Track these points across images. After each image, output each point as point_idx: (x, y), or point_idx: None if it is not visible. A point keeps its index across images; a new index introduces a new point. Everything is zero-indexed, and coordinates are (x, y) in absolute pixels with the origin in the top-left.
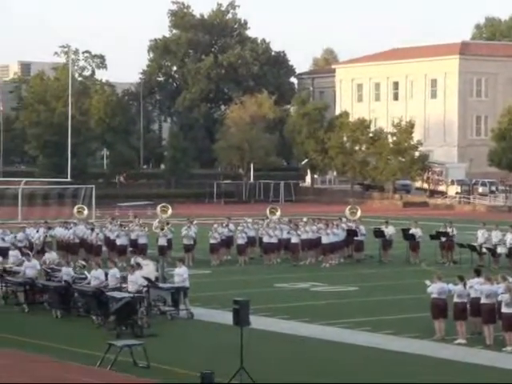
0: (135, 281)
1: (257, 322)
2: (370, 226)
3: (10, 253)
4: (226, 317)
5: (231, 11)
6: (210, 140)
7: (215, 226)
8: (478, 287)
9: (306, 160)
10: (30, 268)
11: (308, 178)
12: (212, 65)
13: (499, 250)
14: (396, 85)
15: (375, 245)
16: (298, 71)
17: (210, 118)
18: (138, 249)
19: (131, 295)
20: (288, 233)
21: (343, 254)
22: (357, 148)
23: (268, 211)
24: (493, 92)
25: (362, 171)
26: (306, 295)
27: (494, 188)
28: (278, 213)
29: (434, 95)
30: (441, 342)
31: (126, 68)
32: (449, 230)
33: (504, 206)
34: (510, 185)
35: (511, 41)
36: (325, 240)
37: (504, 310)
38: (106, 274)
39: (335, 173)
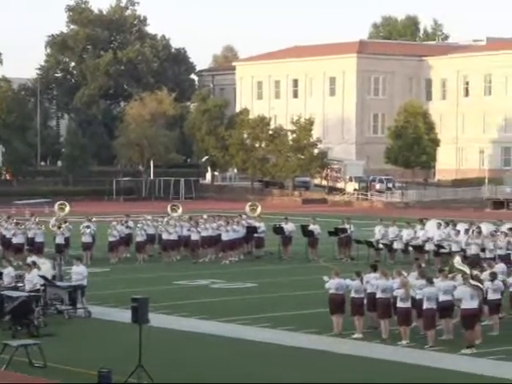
0: (31, 280)
1: (156, 319)
2: (270, 222)
3: None
4: (125, 315)
5: (130, 7)
6: (109, 137)
7: (114, 223)
8: (374, 282)
9: (207, 157)
10: None
11: (208, 175)
12: (111, 61)
13: (395, 245)
14: (295, 82)
15: (275, 241)
16: (198, 68)
17: (109, 114)
18: (35, 247)
19: (27, 294)
20: (188, 230)
21: (243, 250)
22: (257, 145)
23: (169, 208)
24: (390, 90)
25: (262, 168)
26: (205, 292)
27: (390, 185)
28: (180, 210)
29: (332, 93)
30: (338, 337)
31: (23, 63)
32: (346, 226)
33: (400, 203)
34: (407, 182)
35: (407, 40)
36: (225, 237)
37: (399, 304)
38: (1, 273)
39: (235, 170)
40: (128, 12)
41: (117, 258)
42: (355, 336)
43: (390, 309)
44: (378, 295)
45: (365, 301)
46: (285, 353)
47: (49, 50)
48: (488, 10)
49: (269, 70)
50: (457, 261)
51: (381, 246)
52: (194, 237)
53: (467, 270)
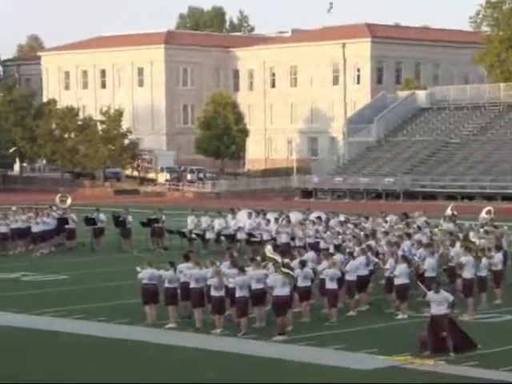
0: None
1: None
2: (81, 213)
3: None
4: None
5: None
6: None
7: None
8: (187, 272)
9: (14, 148)
10: None
11: (16, 167)
12: None
13: (208, 235)
14: (103, 73)
15: (87, 233)
16: (2, 58)
17: None
18: None
19: None
20: None
21: (54, 242)
22: (66, 136)
23: None
24: (198, 81)
25: (72, 159)
26: (17, 285)
27: (201, 175)
28: None
29: (141, 84)
30: (152, 327)
31: None
32: (159, 216)
33: (211, 193)
34: (217, 172)
35: (214, 31)
36: (35, 229)
37: (213, 293)
38: None
39: (44, 161)
40: None
41: None
42: (169, 326)
43: (203, 298)
44: (192, 285)
45: (178, 291)
46: (98, 344)
47: None
48: (293, 2)
49: (76, 60)
50: (268, 249)
51: (193, 235)
52: (3, 229)
53: (279, 258)
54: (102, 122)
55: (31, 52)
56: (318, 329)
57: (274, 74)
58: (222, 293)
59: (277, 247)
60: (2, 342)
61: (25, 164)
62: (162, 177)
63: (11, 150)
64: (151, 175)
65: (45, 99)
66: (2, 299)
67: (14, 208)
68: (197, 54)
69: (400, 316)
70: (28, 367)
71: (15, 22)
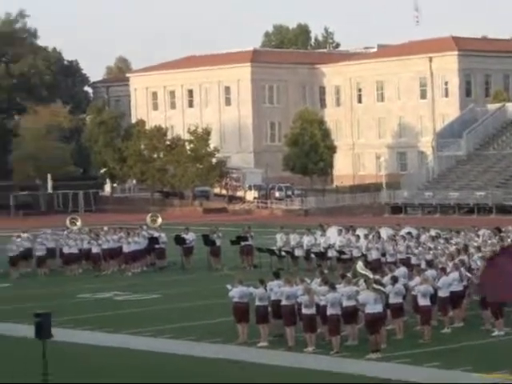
0: None
1: (60, 334)
2: (171, 233)
3: None
4: (28, 330)
5: (21, 20)
6: (4, 151)
7: (14, 238)
8: (277, 289)
9: (105, 169)
10: None
11: (107, 187)
12: (3, 74)
13: (297, 252)
14: (190, 92)
15: (177, 251)
16: (92, 80)
17: (2, 128)
18: None
19: None
20: (88, 243)
21: (145, 261)
22: (155, 156)
23: (68, 221)
24: (285, 98)
25: (161, 179)
26: (109, 305)
27: (289, 192)
28: (79, 223)
29: (228, 102)
30: (244, 346)
31: None
32: (248, 234)
33: (300, 210)
34: (306, 189)
35: (299, 48)
36: (126, 249)
37: (304, 311)
38: None
39: (134, 181)
40: (19, 25)
41: (18, 273)
42: (260, 344)
43: (294, 316)
44: (283, 302)
45: (269, 308)
46: (190, 363)
47: None
48: (378, 17)
49: (163, 81)
50: (359, 266)
51: (283, 253)
52: (95, 249)
53: (370, 274)
54: (189, 142)
55: (120, 74)
56: (411, 346)
57: (360, 90)
58: (313, 310)
59: (367, 263)
60: (96, 361)
61: (115, 184)
62: (250, 195)
63: (102, 171)
64: (239, 193)
65: (133, 120)
66: (95, 319)
67: (105, 228)
68: (283, 71)
69: (496, 333)
70: None
71: (104, 45)
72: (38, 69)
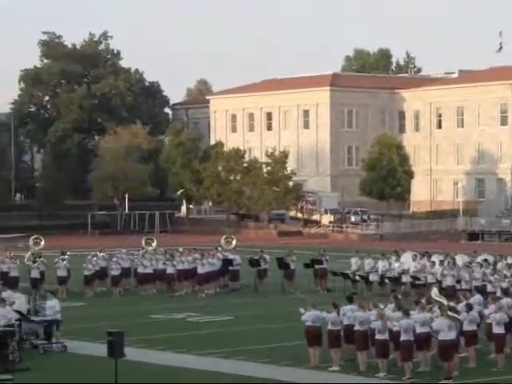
0: (6, 314)
1: (132, 353)
2: (246, 255)
3: None
4: (101, 349)
5: (103, 41)
6: (84, 170)
7: (89, 257)
8: (350, 314)
9: (182, 190)
10: None
11: (183, 208)
12: (85, 95)
13: (371, 277)
14: (269, 115)
15: (250, 274)
16: (172, 102)
17: (83, 148)
18: (9, 282)
19: (1, 329)
20: (163, 263)
21: (219, 283)
22: (232, 178)
23: (144, 242)
24: (363, 123)
25: (238, 201)
26: (181, 325)
27: (365, 217)
28: (155, 243)
29: (306, 125)
30: (315, 370)
31: None
32: (322, 258)
33: (375, 235)
34: (382, 214)
35: (380, 72)
36: (200, 270)
37: (377, 336)
38: None
39: (210, 203)
40: (101, 46)
41: (92, 292)
42: (332, 368)
43: (367, 341)
44: (356, 327)
45: (342, 333)
46: None
47: (22, 85)
48: (459, 43)
49: (242, 103)
50: (434, 292)
51: (357, 277)
52: (170, 270)
53: (444, 301)
54: (267, 164)
55: (200, 96)
56: (484, 374)
57: (440, 115)
58: (386, 336)
59: (442, 290)
60: (167, 382)
61: (191, 206)
62: (326, 218)
63: (179, 193)
64: (315, 217)
65: (212, 142)
66: (169, 340)
67: (180, 249)
68: (362, 95)
69: None
70: None
71: (185, 67)
72: (119, 90)
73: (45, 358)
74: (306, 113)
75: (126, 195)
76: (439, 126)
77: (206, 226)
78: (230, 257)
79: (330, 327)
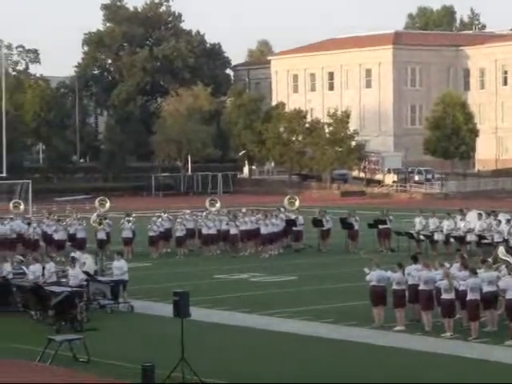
0: (76, 275)
1: (197, 313)
2: (309, 215)
3: None
4: (166, 309)
5: (165, 4)
6: (147, 133)
7: (154, 218)
8: (415, 274)
9: (244, 151)
10: None
11: (246, 170)
12: (147, 57)
13: (436, 236)
14: (331, 75)
15: (314, 234)
16: (233, 63)
17: (146, 110)
18: (77, 243)
19: (70, 289)
20: (227, 224)
21: (282, 244)
22: (293, 138)
23: (208, 203)
24: (426, 81)
25: (300, 161)
26: (245, 286)
27: (429, 176)
28: (218, 204)
29: (368, 85)
30: (380, 330)
31: (61, 62)
32: (386, 218)
33: (440, 194)
34: (446, 173)
35: (444, 30)
36: (264, 230)
37: (443, 296)
38: (43, 269)
39: (273, 163)
40: (163, 8)
41: (157, 253)
42: (397, 328)
43: (432, 301)
44: (421, 287)
45: (406, 292)
46: (325, 346)
47: (86, 48)
48: None
49: (304, 63)
50: (501, 251)
51: (421, 237)
52: (233, 231)
53: (511, 260)
54: (329, 125)
55: (261, 57)
56: None
57: (506, 72)
58: (453, 295)
59: (509, 249)
60: (234, 341)
61: (254, 167)
62: (389, 178)
63: (241, 154)
64: (378, 177)
65: (273, 103)
66: (232, 299)
67: (243, 210)
68: (425, 53)
69: None
70: (261, 367)
71: (246, 28)
72: (180, 52)
73: (112, 318)
74: (369, 72)
75: (189, 157)
76: (505, 83)
77: (268, 186)
78: (293, 217)
79: (394, 287)
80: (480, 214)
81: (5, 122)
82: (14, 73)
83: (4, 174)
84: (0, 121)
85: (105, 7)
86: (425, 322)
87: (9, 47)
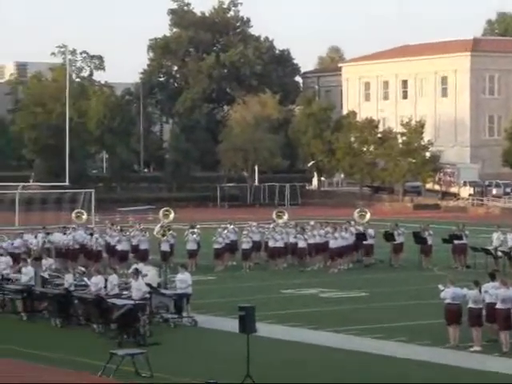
0: (139, 288)
1: (263, 329)
2: (380, 229)
3: (1, 259)
4: (231, 324)
5: (233, 8)
6: (213, 141)
7: (219, 230)
8: (493, 292)
9: (313, 162)
10: (25, 275)
11: (315, 181)
12: (214, 64)
13: None
14: (405, 83)
15: (385, 249)
16: (303, 70)
17: (212, 118)
18: (139, 254)
19: (133, 302)
20: (295, 237)
21: (352, 258)
22: (365, 149)
23: (275, 215)
24: (505, 89)
25: (371, 173)
26: (313, 301)
27: (508, 189)
28: (286, 216)
29: (444, 93)
30: (455, 350)
31: (125, 68)
32: (462, 233)
33: None
34: None
35: None
36: (333, 244)
37: None
38: (106, 281)
39: (342, 175)
40: (231, 13)
41: (223, 266)
42: (473, 349)
43: (510, 320)
44: (498, 306)
45: (483, 311)
46: (396, 365)
47: (151, 54)
48: None
49: (377, 71)
50: None
51: (499, 253)
52: (301, 244)
53: None
54: (402, 134)
55: (331, 63)
56: None
57: None
58: None
59: None
60: (300, 358)
61: (323, 178)
62: (465, 191)
63: (310, 164)
64: (453, 189)
65: (344, 111)
66: (300, 315)
67: (311, 222)
68: (505, 60)
69: None
70: None
71: (317, 34)
72: (248, 58)
73: (175, 332)
74: (444, 80)
75: (256, 167)
76: None
77: (337, 198)
78: (364, 231)
79: (470, 305)
80: None
81: (68, 129)
82: (77, 79)
83: (67, 183)
84: (63, 128)
85: (171, 12)
86: (503, 342)
87: (73, 53)
